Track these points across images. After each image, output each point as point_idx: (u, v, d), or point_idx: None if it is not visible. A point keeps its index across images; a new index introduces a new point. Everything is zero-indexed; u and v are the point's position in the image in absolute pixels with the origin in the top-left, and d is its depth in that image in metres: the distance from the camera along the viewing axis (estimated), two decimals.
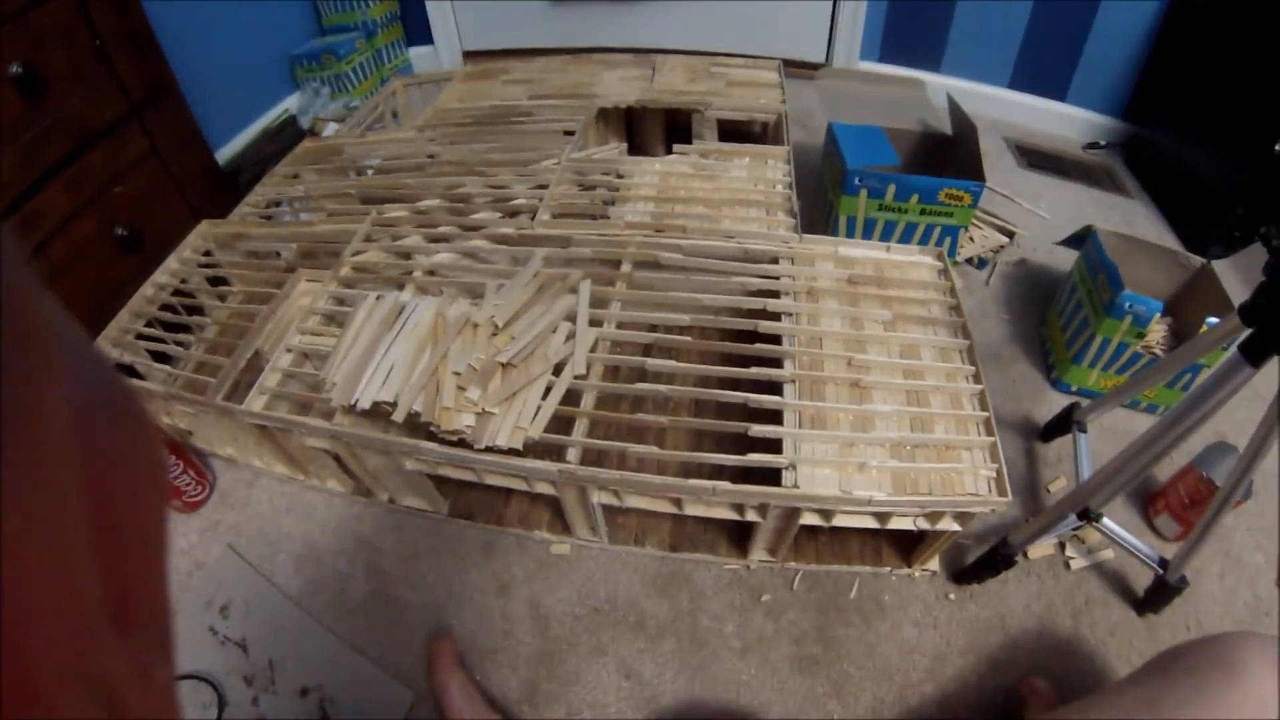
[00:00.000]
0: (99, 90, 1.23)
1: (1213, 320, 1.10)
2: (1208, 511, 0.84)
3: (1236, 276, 1.51)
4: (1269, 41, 1.51)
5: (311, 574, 1.06)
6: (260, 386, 0.99)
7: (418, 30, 2.47)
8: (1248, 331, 0.71)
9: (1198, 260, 1.25)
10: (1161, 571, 0.94)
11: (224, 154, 1.85)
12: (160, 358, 1.13)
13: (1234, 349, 0.71)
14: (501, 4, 2.41)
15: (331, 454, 1.02)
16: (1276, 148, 1.43)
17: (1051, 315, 1.39)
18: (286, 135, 1.98)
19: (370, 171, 1.43)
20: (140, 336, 1.13)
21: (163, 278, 1.20)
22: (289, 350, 1.04)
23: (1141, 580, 1.02)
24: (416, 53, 2.51)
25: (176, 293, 1.20)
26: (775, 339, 0.99)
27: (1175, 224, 1.76)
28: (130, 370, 1.12)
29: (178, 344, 1.12)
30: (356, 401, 0.91)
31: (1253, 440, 0.74)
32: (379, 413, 0.93)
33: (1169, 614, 0.99)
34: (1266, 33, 1.52)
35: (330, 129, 1.96)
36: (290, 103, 2.17)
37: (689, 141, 1.38)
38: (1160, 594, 0.96)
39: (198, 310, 1.22)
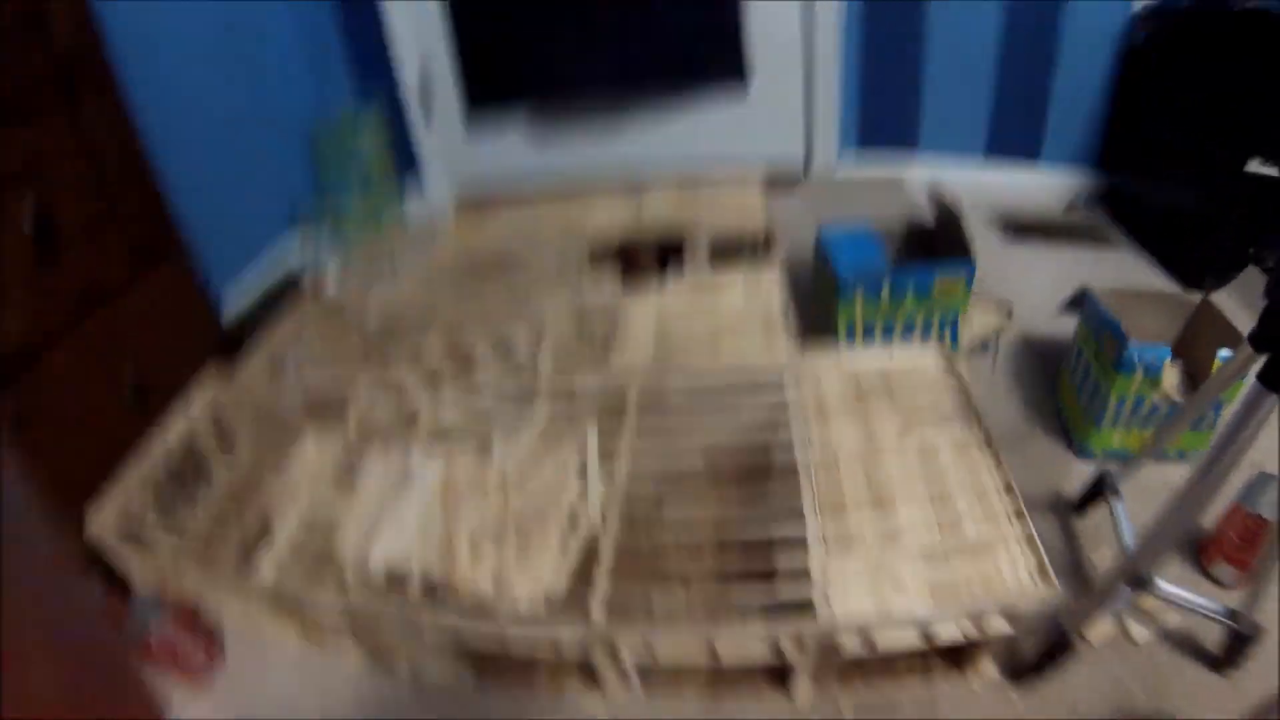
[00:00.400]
0: (108, 250, 1.26)
1: (1224, 353, 1.09)
2: (1264, 549, 0.81)
3: (1237, 304, 1.50)
4: (1221, 71, 1.58)
5: None
6: (270, 554, 0.98)
7: (411, 182, 2.56)
8: (1263, 359, 0.70)
9: (1196, 296, 1.25)
10: (1232, 623, 0.89)
11: (228, 309, 1.89)
12: (167, 521, 1.11)
13: (1253, 380, 0.70)
14: (491, 152, 2.49)
15: (347, 625, 1.00)
16: (1247, 167, 1.45)
17: (1063, 384, 1.38)
18: (290, 292, 2.02)
19: (372, 327, 1.46)
20: (147, 500, 1.12)
21: (169, 438, 1.20)
22: (298, 514, 1.03)
23: (1213, 636, 0.96)
24: (412, 204, 2.60)
25: (183, 453, 1.20)
26: (791, 466, 0.98)
27: (1166, 265, 1.78)
28: (135, 535, 1.10)
29: (185, 507, 1.11)
30: (369, 568, 0.90)
31: None
32: (394, 581, 0.91)
33: (1251, 665, 0.93)
34: (1218, 63, 1.59)
35: (331, 281, 2.02)
36: (292, 259, 2.23)
37: (681, 265, 1.41)
38: (1236, 647, 0.91)
39: (204, 470, 1.21)
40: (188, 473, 1.18)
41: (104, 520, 1.08)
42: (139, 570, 1.11)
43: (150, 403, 1.30)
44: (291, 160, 2.31)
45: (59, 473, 1.11)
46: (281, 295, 1.98)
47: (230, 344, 1.58)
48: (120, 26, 1.42)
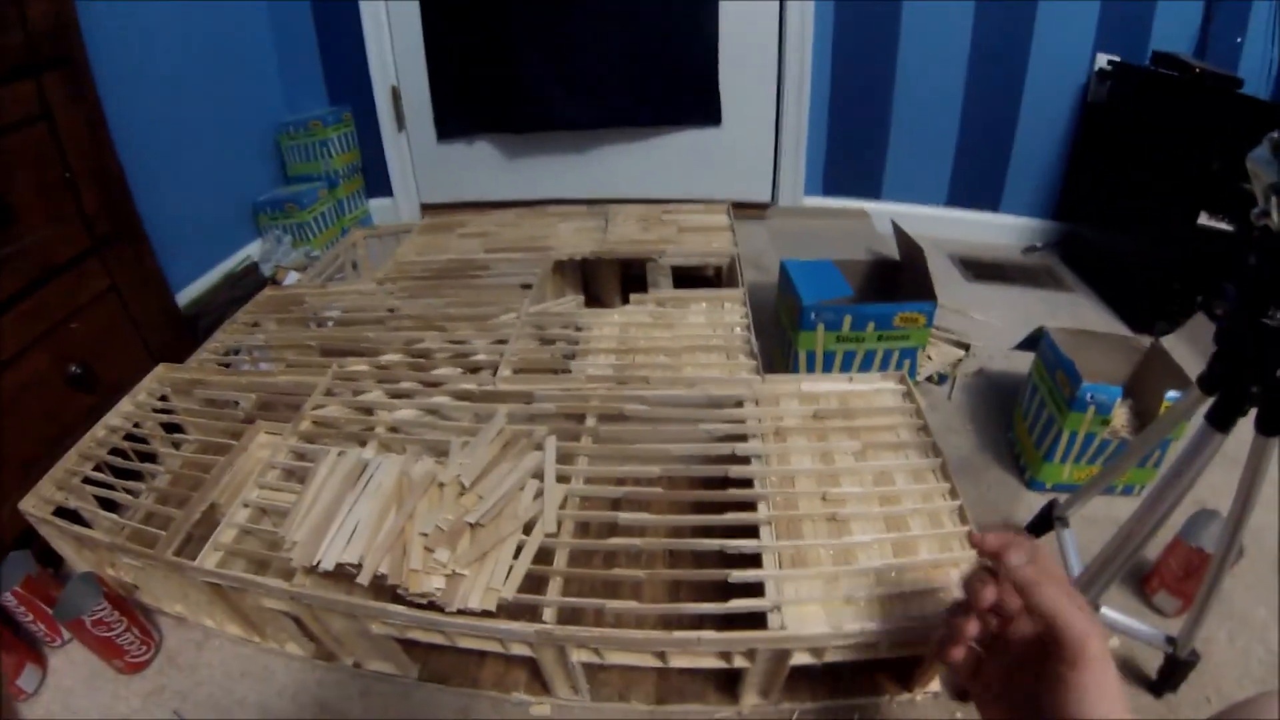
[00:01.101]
0: (64, 223, 1.23)
1: (1172, 394, 1.13)
2: (1205, 581, 0.83)
3: (1185, 349, 1.57)
4: (1176, 128, 1.66)
5: None
6: (214, 542, 0.94)
7: (378, 182, 2.56)
8: (1210, 401, 0.73)
9: (1147, 340, 1.31)
10: (1171, 649, 0.92)
11: (184, 297, 1.87)
12: (108, 505, 1.08)
13: (1200, 420, 0.73)
14: (459, 159, 2.52)
15: (291, 615, 0.96)
16: (1199, 221, 1.52)
17: (1017, 418, 1.41)
18: (248, 282, 2.00)
19: (330, 323, 1.44)
20: (88, 481, 1.08)
21: (115, 420, 1.16)
22: (246, 505, 1.00)
23: (1153, 662, 0.99)
24: (376, 204, 2.59)
25: (128, 437, 1.16)
26: (747, 482, 0.98)
27: (1118, 309, 1.86)
28: (75, 517, 1.07)
29: (127, 491, 1.07)
30: (319, 563, 0.87)
31: (1235, 502, 0.75)
32: (342, 574, 0.89)
33: (1187, 690, 0.96)
34: (1173, 120, 1.67)
35: (291, 277, 1.99)
36: (252, 249, 2.21)
37: (644, 289, 1.42)
38: (1174, 671, 0.94)
39: (150, 457, 1.18)
40: (132, 457, 1.15)
41: (40, 496, 1.05)
42: (74, 551, 1.07)
43: (98, 384, 1.27)
44: (258, 155, 2.30)
45: None
46: (239, 287, 1.95)
47: (185, 332, 1.55)
48: (96, 10, 1.41)
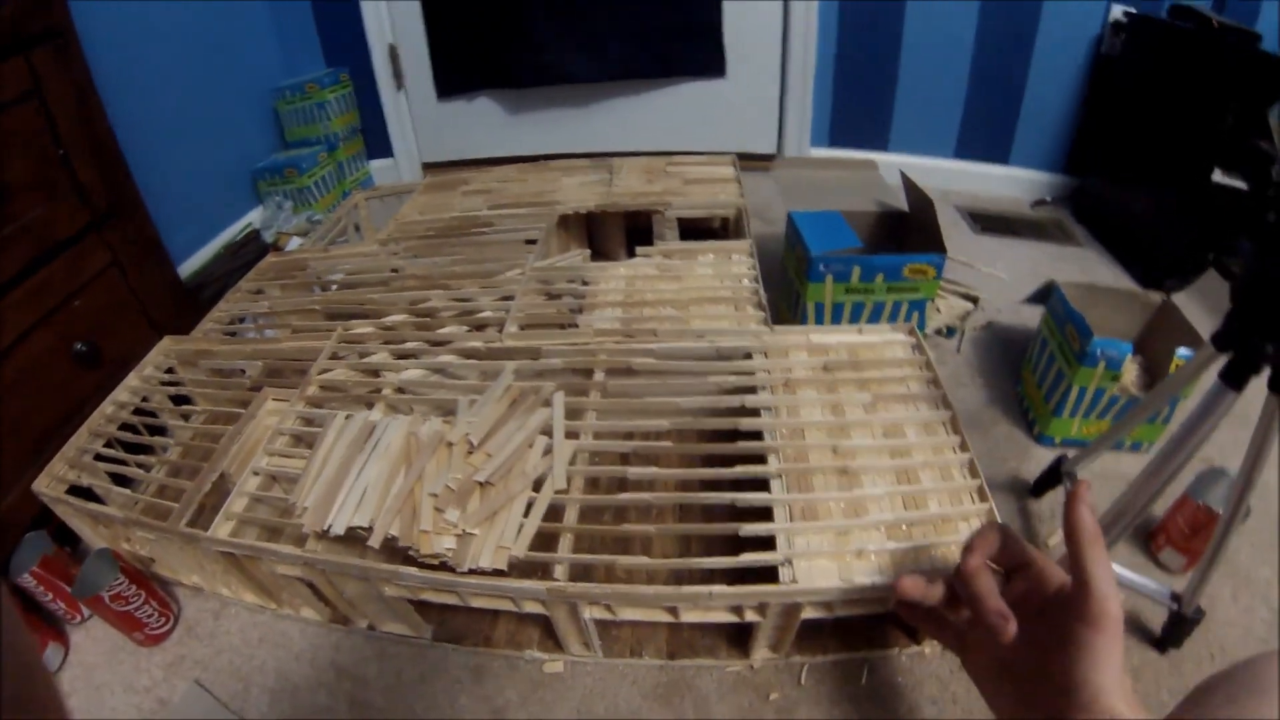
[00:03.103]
0: (61, 200, 1.22)
1: (1183, 351, 1.12)
2: (1213, 539, 0.83)
3: (1196, 305, 1.55)
4: (1189, 78, 1.62)
5: (288, 709, 0.99)
6: (226, 511, 0.95)
7: (378, 143, 2.52)
8: (1224, 358, 0.72)
9: (1158, 296, 1.29)
10: (1175, 606, 0.92)
11: (186, 268, 1.85)
12: (120, 480, 1.09)
13: (1215, 378, 0.72)
14: (460, 117, 2.48)
15: (305, 581, 0.97)
16: (1213, 177, 1.49)
17: (1026, 373, 1.40)
18: (250, 250, 1.98)
19: (335, 286, 1.43)
20: (99, 458, 1.08)
21: (123, 396, 1.16)
22: (256, 473, 1.00)
23: (1157, 618, 0.99)
24: (377, 165, 2.56)
25: (137, 411, 1.16)
26: (757, 435, 0.97)
27: (1129, 266, 1.83)
28: (88, 493, 1.07)
29: (139, 465, 1.08)
30: (329, 527, 0.88)
31: (1245, 462, 0.75)
32: (354, 538, 0.89)
33: (1190, 646, 0.97)
34: (1189, 74, 1.63)
35: (293, 243, 1.97)
36: (253, 217, 2.19)
37: (650, 242, 1.40)
38: (1178, 628, 0.94)
39: (160, 430, 1.18)
40: (142, 431, 1.15)
41: (53, 476, 1.05)
42: (89, 528, 1.08)
43: (104, 360, 1.26)
44: (255, 120, 2.26)
45: (5, 430, 1.08)
46: (241, 255, 1.94)
47: (188, 303, 1.54)
48: None
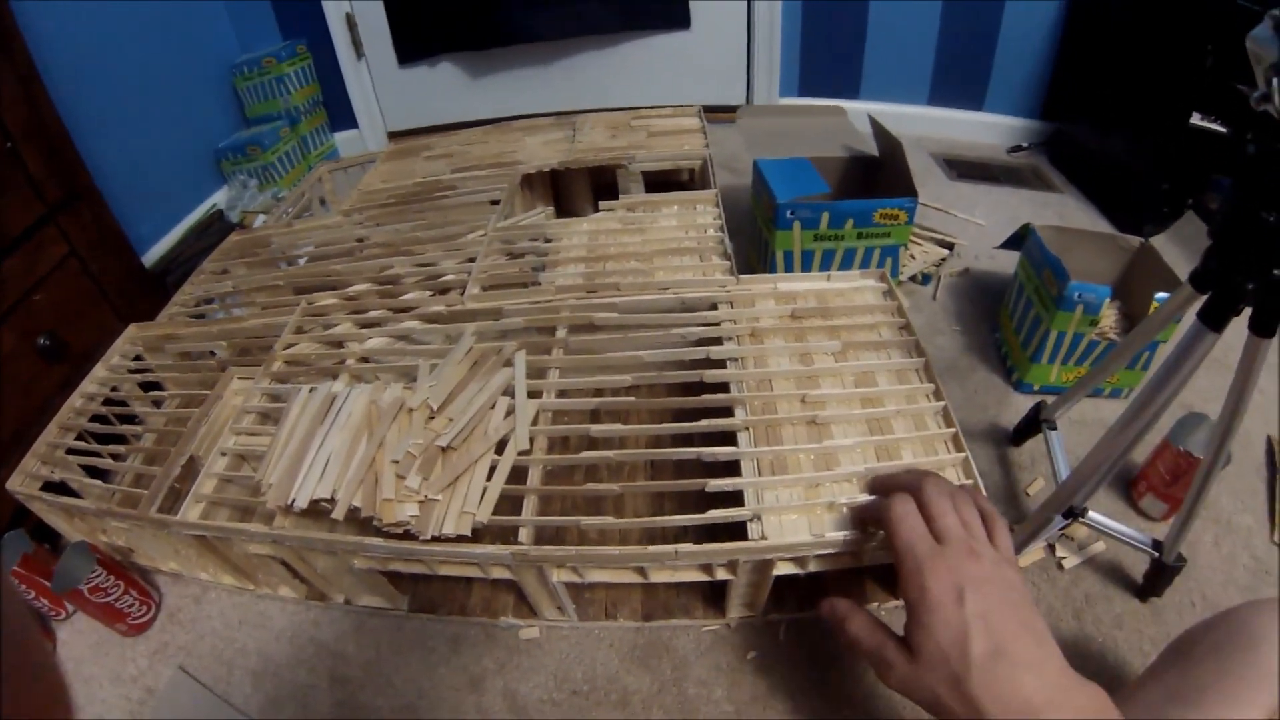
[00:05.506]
0: (12, 194, 1.18)
1: (1161, 295, 1.10)
2: (1193, 486, 0.82)
3: (1175, 250, 1.54)
4: (1167, 20, 1.58)
5: (272, 690, 0.99)
6: (195, 494, 0.93)
7: (341, 115, 2.46)
8: (1203, 299, 0.70)
9: (1136, 240, 1.27)
10: (1157, 553, 0.92)
11: (152, 254, 1.82)
12: (95, 472, 1.07)
13: (1193, 319, 0.71)
14: (423, 83, 2.42)
15: (278, 559, 0.96)
16: (1191, 120, 1.46)
17: (1003, 319, 1.38)
18: (215, 231, 1.94)
19: (301, 261, 1.39)
20: (71, 451, 1.07)
21: (91, 387, 1.14)
22: (223, 453, 0.98)
23: (1138, 566, 0.99)
24: (342, 137, 2.51)
25: (108, 402, 1.14)
26: (724, 387, 0.95)
27: (1106, 210, 1.81)
28: (63, 488, 1.06)
29: (112, 456, 1.06)
30: (294, 501, 0.86)
31: (1226, 407, 0.73)
32: (321, 511, 0.87)
33: (1172, 594, 0.96)
34: (1165, 17, 1.59)
35: (259, 221, 1.93)
36: (218, 197, 2.14)
37: (617, 198, 1.37)
38: (1159, 576, 0.94)
39: (131, 419, 1.17)
40: (114, 421, 1.13)
41: (26, 473, 1.03)
42: (65, 522, 1.06)
43: (69, 353, 1.24)
44: (213, 99, 2.21)
45: None
46: (206, 237, 1.90)
47: (154, 289, 1.52)
48: None
